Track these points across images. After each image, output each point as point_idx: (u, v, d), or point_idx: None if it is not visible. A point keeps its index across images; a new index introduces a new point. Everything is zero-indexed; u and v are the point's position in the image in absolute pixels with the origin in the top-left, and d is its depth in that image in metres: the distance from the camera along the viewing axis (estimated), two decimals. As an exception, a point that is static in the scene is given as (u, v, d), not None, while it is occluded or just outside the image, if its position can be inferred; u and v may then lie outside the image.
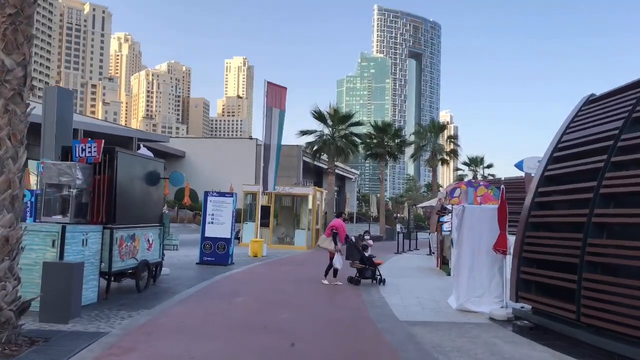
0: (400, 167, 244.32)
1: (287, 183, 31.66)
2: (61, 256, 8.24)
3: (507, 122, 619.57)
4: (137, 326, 7.58)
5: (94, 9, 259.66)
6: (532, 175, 21.60)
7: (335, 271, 13.23)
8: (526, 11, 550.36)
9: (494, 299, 9.78)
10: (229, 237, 16.55)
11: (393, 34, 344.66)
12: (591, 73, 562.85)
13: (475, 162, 51.54)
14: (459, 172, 52.83)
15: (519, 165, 23.01)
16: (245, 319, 8.52)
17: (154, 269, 11.61)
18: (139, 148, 40.64)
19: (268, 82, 21.17)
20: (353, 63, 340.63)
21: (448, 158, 45.27)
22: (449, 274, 16.21)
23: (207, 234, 16.62)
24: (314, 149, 30.57)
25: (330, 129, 30.79)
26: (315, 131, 30.59)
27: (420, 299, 11.29)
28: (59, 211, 9.18)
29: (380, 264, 13.72)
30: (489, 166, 51.95)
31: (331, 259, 13.36)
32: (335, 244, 13.17)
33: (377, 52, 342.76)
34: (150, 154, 11.75)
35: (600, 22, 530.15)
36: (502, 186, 10.00)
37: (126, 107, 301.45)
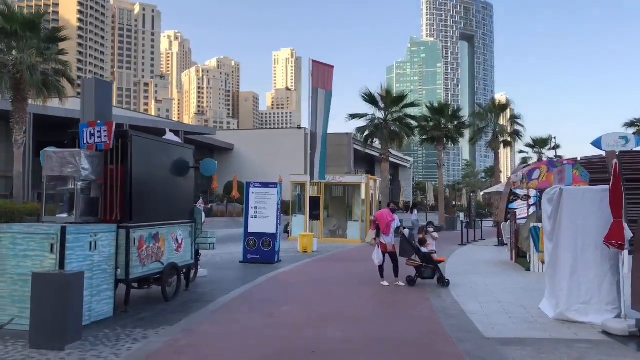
0: (454, 154, 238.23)
1: (338, 173, 29.79)
2: (62, 264, 6.70)
3: (568, 103, 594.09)
4: (146, 354, 5.91)
5: (143, 9, 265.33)
6: (616, 152, 18.99)
7: (381, 270, 11.34)
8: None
9: (605, 306, 7.60)
10: (275, 232, 14.86)
11: (443, 17, 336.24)
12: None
13: (540, 143, 48.00)
14: (522, 155, 49.35)
15: (597, 143, 20.29)
16: (288, 339, 6.74)
17: (185, 272, 10.04)
18: (177, 135, 39.87)
19: (313, 61, 19.31)
20: (402, 49, 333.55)
21: (511, 140, 42.12)
22: (528, 269, 13.98)
23: (250, 229, 15.00)
24: (365, 134, 28.53)
25: (382, 112, 28.66)
26: (366, 115, 28.53)
27: (504, 303, 9.21)
28: (67, 209, 7.68)
29: (441, 261, 11.64)
30: (556, 147, 48.29)
31: (384, 253, 11.37)
32: (377, 236, 11.24)
33: (427, 36, 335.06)
34: (177, 139, 10.16)
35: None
36: (615, 161, 7.76)
37: (178, 104, 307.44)
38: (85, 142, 7.98)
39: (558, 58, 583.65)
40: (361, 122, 28.77)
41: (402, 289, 10.85)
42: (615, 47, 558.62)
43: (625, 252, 7.50)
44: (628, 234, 7.34)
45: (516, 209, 23.55)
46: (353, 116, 28.35)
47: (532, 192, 22.93)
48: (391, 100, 28.02)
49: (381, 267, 11.36)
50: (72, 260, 6.86)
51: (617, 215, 7.21)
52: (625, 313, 7.24)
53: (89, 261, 7.20)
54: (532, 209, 22.42)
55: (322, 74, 19.51)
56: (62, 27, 29.08)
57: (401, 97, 28.32)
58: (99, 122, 7.98)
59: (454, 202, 73.84)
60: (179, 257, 9.50)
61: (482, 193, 38.57)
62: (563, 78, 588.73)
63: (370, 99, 28.15)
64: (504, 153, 44.98)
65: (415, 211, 28.16)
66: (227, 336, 6.86)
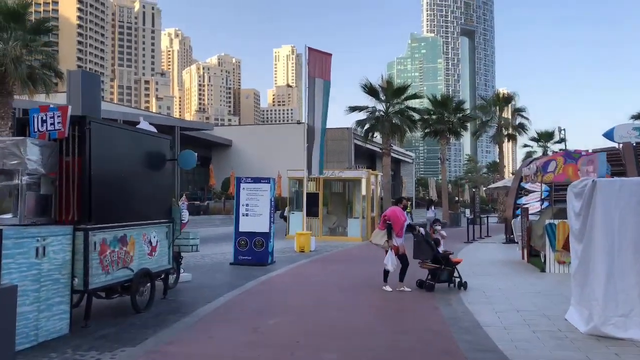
0: (456, 149, 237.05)
1: (338, 168, 28.59)
2: (-3, 274, 5.54)
3: (570, 97, 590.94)
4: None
5: (143, 6, 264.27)
6: (634, 143, 17.79)
7: (386, 274, 10.20)
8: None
9: (648, 319, 6.44)
10: (268, 231, 13.70)
11: (443, 12, 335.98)
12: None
13: (545, 136, 46.69)
14: (527, 149, 47.99)
15: (609, 135, 19.18)
16: (271, 363, 5.59)
17: (162, 278, 8.90)
18: (180, 142, 38.66)
19: (309, 48, 18.13)
20: (403, 44, 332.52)
21: (516, 133, 40.89)
22: (543, 270, 12.80)
23: (241, 228, 13.84)
24: (366, 127, 27.29)
25: (383, 104, 27.44)
26: (367, 107, 27.28)
27: (523, 312, 8.05)
28: (13, 208, 6.52)
29: (459, 262, 10.50)
30: (561, 140, 46.98)
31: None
32: (390, 238, 10.09)
33: (427, 32, 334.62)
34: (152, 128, 8.99)
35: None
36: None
37: (179, 101, 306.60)
38: (35, 130, 6.83)
39: (558, 52, 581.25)
40: (361, 115, 27.58)
41: (408, 296, 9.69)
42: (621, 38, 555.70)
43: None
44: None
45: (525, 204, 22.35)
46: (353, 109, 27.12)
47: (541, 186, 21.86)
48: (392, 91, 26.80)
49: (386, 271, 10.23)
50: (12, 270, 5.71)
51: (664, 211, 6.05)
52: (675, 328, 6.09)
53: (34, 270, 6.05)
54: (544, 204, 21.30)
55: (319, 62, 18.32)
56: (48, 18, 27.95)
57: (403, 88, 27.08)
58: (51, 106, 6.82)
59: (456, 198, 72.59)
60: (153, 261, 8.34)
61: (486, 188, 37.24)
62: (565, 72, 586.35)
63: (370, 90, 26.93)
64: (506, 147, 43.73)
65: (433, 208, 26.97)
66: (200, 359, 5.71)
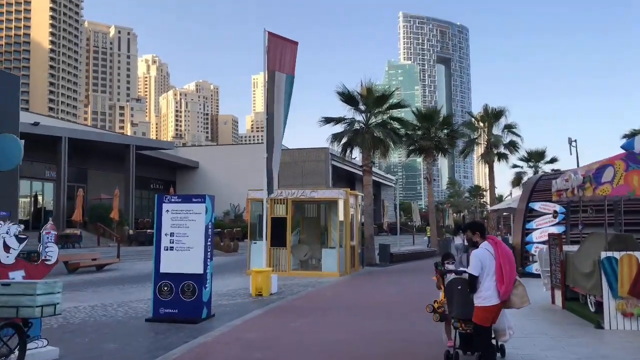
0: (434, 171, 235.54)
1: (311, 187, 24.54)
2: None
3: (547, 121, 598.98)
4: None
5: (119, 32, 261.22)
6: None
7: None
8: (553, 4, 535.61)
9: None
10: (202, 271, 9.57)
11: (420, 40, 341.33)
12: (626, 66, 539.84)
13: (535, 156, 43.44)
14: (516, 170, 44.66)
15: (629, 146, 15.83)
16: None
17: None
18: (136, 163, 34.38)
19: (269, 34, 14.27)
20: (380, 71, 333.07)
21: (507, 152, 37.47)
22: (598, 326, 8.90)
23: (163, 269, 9.68)
24: (343, 141, 23.40)
25: (363, 114, 23.63)
26: (344, 118, 23.42)
27: None
28: None
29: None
30: (552, 160, 43.80)
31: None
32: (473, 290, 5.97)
33: (404, 59, 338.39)
34: None
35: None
36: None
37: (156, 127, 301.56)
38: None
39: (534, 80, 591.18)
40: (338, 128, 23.72)
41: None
42: (600, 65, 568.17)
43: None
44: None
45: (536, 228, 18.65)
46: (328, 120, 23.20)
47: (554, 206, 18.16)
48: (373, 100, 23.05)
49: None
50: None
51: None
52: None
53: None
54: (559, 228, 17.58)
55: (282, 52, 14.48)
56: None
57: (385, 96, 23.35)
58: None
59: (440, 223, 69.03)
60: None
61: (492, 209, 33.53)
62: (541, 99, 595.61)
63: (347, 98, 23.12)
64: (484, 169, 40.51)
65: (462, 234, 22.97)
66: None
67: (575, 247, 11.31)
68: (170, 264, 9.61)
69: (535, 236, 17.99)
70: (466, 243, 25.04)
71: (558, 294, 11.09)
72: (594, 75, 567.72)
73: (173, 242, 9.67)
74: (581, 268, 9.87)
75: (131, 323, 9.40)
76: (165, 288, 9.60)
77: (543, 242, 15.76)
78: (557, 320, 9.51)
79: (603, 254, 8.72)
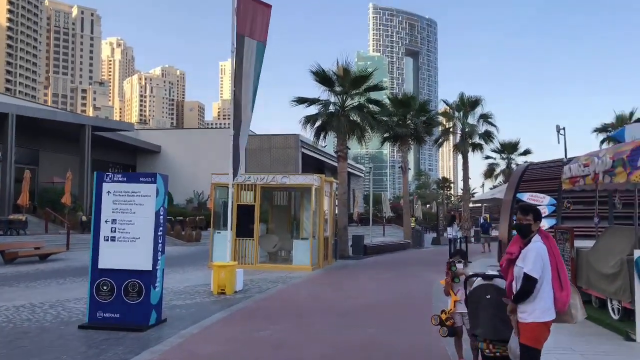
0: (398, 163, 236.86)
1: (282, 172, 22.71)
2: None
3: (510, 120, 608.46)
4: None
5: (82, 12, 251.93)
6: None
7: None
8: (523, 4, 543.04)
9: None
10: (151, 268, 7.76)
11: (389, 32, 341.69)
12: (597, 71, 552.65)
13: (509, 148, 42.57)
14: (489, 161, 43.69)
15: (620, 135, 14.79)
16: None
17: None
18: (92, 145, 31.88)
19: (239, -7, 12.38)
20: (350, 62, 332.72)
21: (482, 141, 36.39)
22: (628, 337, 7.50)
23: (102, 264, 7.83)
24: (317, 125, 21.68)
25: (339, 96, 21.93)
26: (318, 100, 21.68)
27: None
28: None
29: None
30: (526, 152, 43.03)
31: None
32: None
33: (373, 51, 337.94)
34: None
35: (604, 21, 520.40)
36: None
37: (120, 112, 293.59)
38: None
39: (500, 81, 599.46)
40: (312, 110, 22.00)
41: None
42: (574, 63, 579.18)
43: None
44: None
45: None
46: (301, 100, 21.39)
47: (544, 198, 16.89)
48: (350, 81, 21.38)
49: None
50: None
51: None
52: None
53: None
54: (549, 221, 16.32)
55: (253, 15, 12.63)
56: None
57: (363, 77, 21.70)
58: None
59: (411, 215, 68.02)
60: None
61: (478, 199, 32.32)
62: (509, 95, 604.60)
63: (323, 79, 21.36)
64: (449, 162, 39.35)
65: (455, 224, 21.70)
66: None
67: (586, 243, 9.94)
68: (111, 257, 7.75)
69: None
70: (459, 235, 23.71)
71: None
72: (564, 72, 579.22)
73: (115, 231, 7.81)
74: (600, 268, 8.46)
75: (60, 331, 7.52)
76: (105, 287, 7.76)
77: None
78: (575, 330, 8.07)
79: (637, 253, 7.29)
